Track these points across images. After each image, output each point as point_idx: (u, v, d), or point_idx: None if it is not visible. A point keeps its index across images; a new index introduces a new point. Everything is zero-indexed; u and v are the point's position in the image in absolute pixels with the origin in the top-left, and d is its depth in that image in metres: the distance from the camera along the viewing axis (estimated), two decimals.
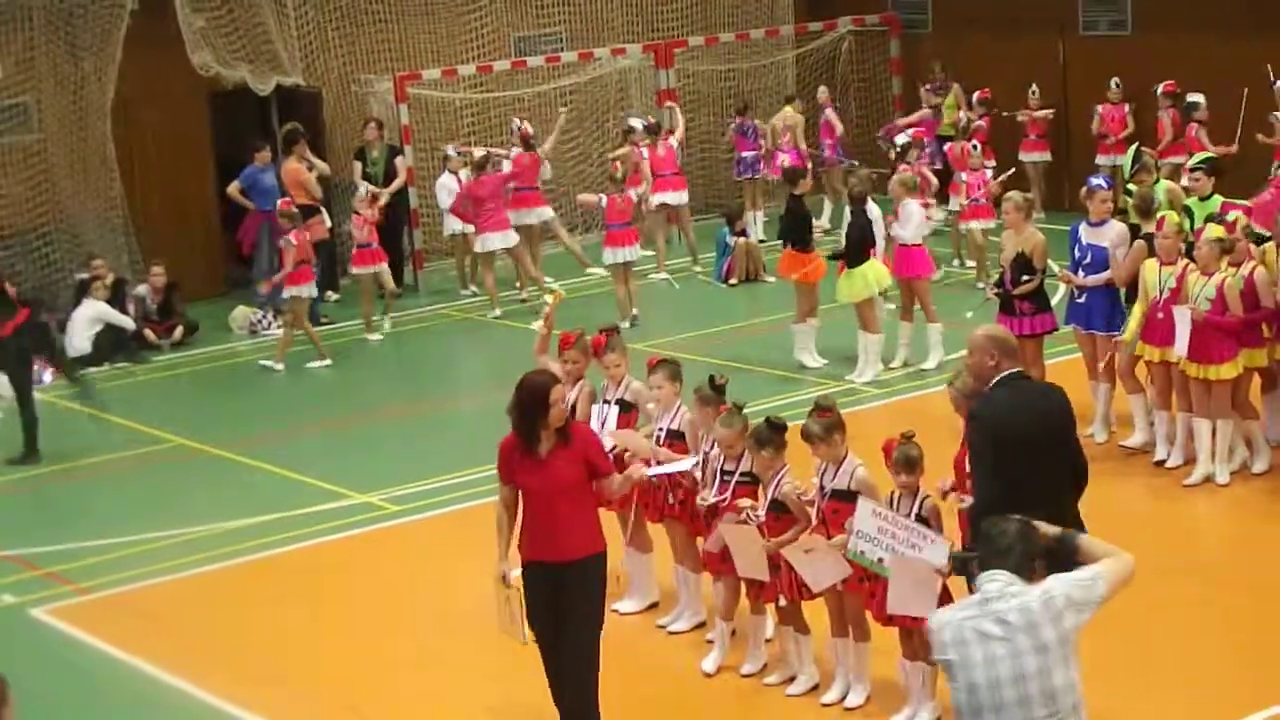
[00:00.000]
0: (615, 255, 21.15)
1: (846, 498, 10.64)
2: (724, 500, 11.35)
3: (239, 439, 18.22)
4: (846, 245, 18.47)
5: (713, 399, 11.59)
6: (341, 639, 12.96)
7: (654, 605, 12.85)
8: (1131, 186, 17.03)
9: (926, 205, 20.46)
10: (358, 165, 24.23)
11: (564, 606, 10.24)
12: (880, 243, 18.64)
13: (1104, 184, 15.94)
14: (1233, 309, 14.29)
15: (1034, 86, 25.69)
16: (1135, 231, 15.55)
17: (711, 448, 11.65)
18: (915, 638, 10.55)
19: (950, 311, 19.10)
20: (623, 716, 10.73)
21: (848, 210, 18.85)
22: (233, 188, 23.74)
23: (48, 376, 20.16)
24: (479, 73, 25.76)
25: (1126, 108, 24.89)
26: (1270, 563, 13.35)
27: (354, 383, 20.64)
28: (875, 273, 18.24)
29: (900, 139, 22.26)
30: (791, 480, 11.05)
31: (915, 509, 10.40)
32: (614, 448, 12.25)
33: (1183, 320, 14.34)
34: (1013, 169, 23.15)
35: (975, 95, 25.10)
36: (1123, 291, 15.49)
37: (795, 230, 19.04)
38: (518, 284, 23.47)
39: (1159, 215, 15.34)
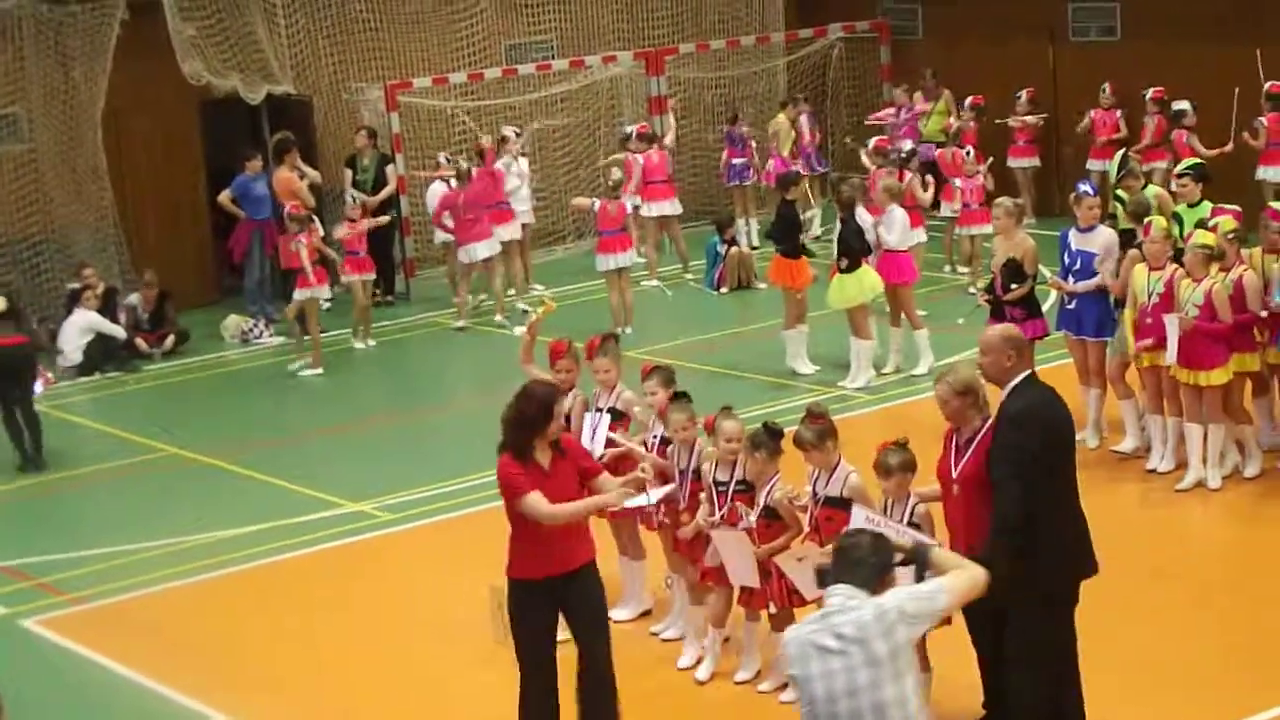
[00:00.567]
0: (607, 261, 21.15)
1: (839, 504, 10.64)
2: (723, 514, 11.35)
3: (231, 448, 18.21)
4: (838, 251, 18.48)
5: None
6: (335, 648, 12.95)
7: (647, 613, 12.86)
8: (1120, 192, 17.05)
9: (912, 210, 20.56)
10: (348, 173, 24.23)
11: (579, 615, 10.23)
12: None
13: (1091, 189, 15.95)
14: (1221, 315, 14.29)
15: (1021, 93, 25.69)
16: (1128, 237, 15.55)
17: (692, 462, 11.66)
18: None
19: (942, 316, 19.12)
20: None
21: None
22: (224, 196, 23.73)
23: (39, 386, 20.11)
24: (470, 80, 25.76)
25: (1118, 114, 24.92)
26: (1262, 567, 13.37)
27: (346, 391, 20.63)
28: (868, 279, 18.25)
29: (906, 145, 22.32)
30: (784, 486, 11.05)
31: (907, 515, 10.39)
32: (602, 456, 12.26)
33: (1172, 328, 14.35)
34: (991, 158, 23.12)
35: (968, 101, 25.11)
36: (1112, 297, 15.51)
37: (784, 234, 19.05)
38: (512, 290, 23.45)
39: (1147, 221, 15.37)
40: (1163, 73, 24.05)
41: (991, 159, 23.09)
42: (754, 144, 26.29)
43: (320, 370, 21.02)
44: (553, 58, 26.66)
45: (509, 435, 10.23)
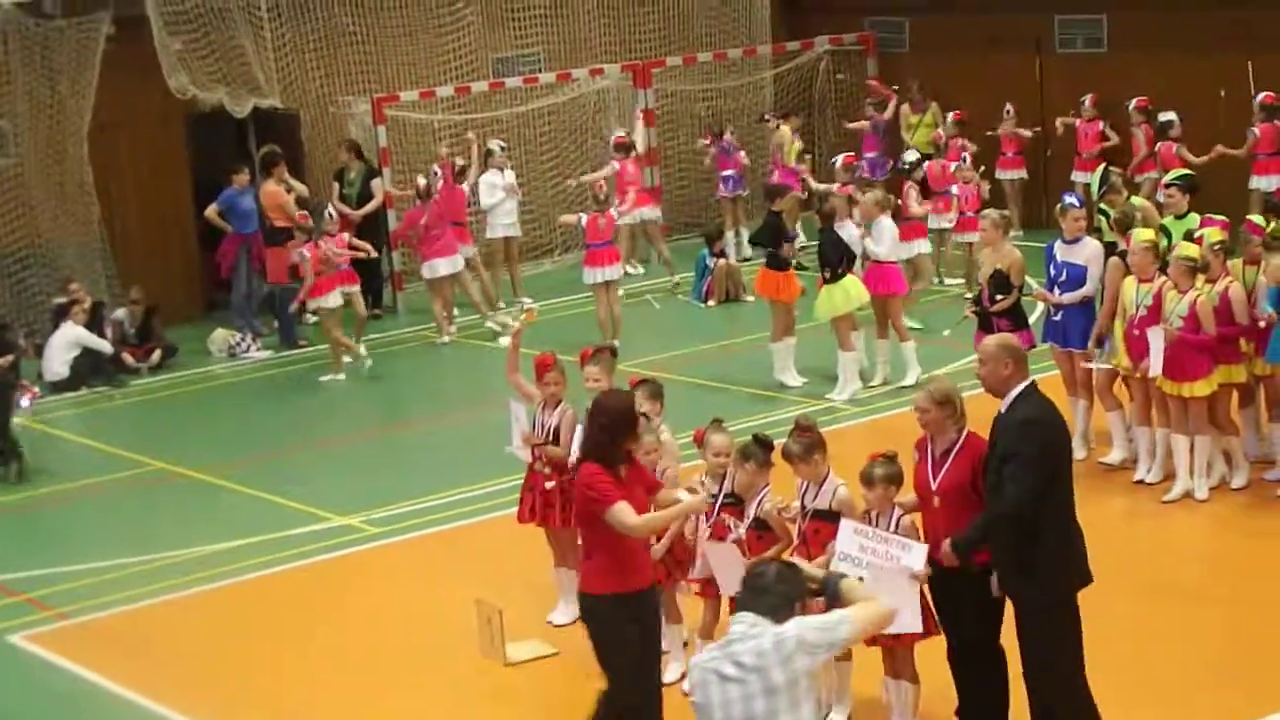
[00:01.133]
0: (595, 275, 21.14)
1: (828, 517, 10.63)
2: (711, 526, 11.35)
3: (218, 462, 18.18)
4: (821, 263, 18.50)
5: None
6: (322, 662, 12.92)
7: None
8: (1103, 206, 17.06)
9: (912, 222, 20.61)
10: (336, 187, 24.22)
11: (653, 635, 10.12)
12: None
13: (1077, 201, 15.97)
14: (1205, 326, 14.31)
15: (1008, 106, 25.71)
16: (1112, 249, 15.58)
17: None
18: (898, 656, 10.56)
19: (941, 326, 19.13)
20: None
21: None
22: (211, 210, 23.70)
23: (25, 402, 20.08)
24: (457, 94, 25.76)
25: (1101, 125, 24.97)
26: (1249, 578, 13.38)
27: (333, 404, 20.62)
28: (852, 290, 18.26)
29: (909, 155, 22.35)
30: (773, 498, 11.04)
31: (892, 527, 10.37)
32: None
33: (1155, 340, 14.37)
34: (982, 167, 23.16)
35: (950, 116, 25.12)
36: (1098, 308, 15.52)
37: (770, 241, 19.05)
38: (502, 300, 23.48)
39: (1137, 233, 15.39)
40: (1150, 84, 24.11)
41: (983, 167, 23.15)
42: (743, 155, 26.31)
43: (343, 376, 21.08)
44: (540, 71, 26.66)
45: (596, 445, 9.96)
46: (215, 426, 20.01)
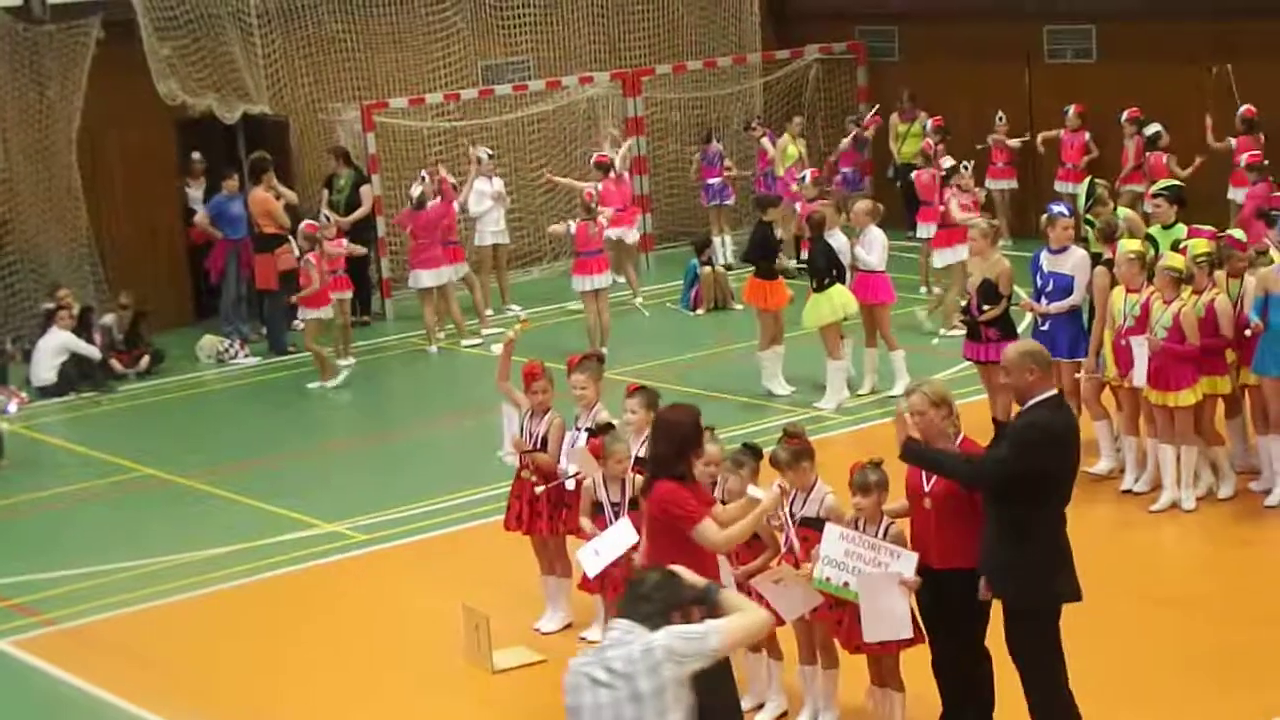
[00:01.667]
0: (584, 283, 21.14)
1: (816, 525, 10.63)
2: None
3: (205, 468, 18.16)
4: (810, 271, 18.51)
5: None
6: (309, 668, 12.92)
7: (569, 626, 12.91)
8: (1089, 218, 17.08)
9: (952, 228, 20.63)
10: (325, 194, 24.21)
11: None
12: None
13: (1065, 211, 15.99)
14: (1189, 337, 14.34)
15: (1000, 114, 25.75)
16: (1098, 260, 15.59)
17: (625, 494, 11.66)
18: (884, 664, 10.57)
19: (918, 338, 19.16)
20: None
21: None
22: (200, 216, 23.68)
23: (13, 407, 20.08)
24: (446, 101, 25.76)
25: (1086, 135, 25.00)
26: (1236, 588, 13.40)
27: (321, 411, 20.61)
28: (839, 298, 18.27)
29: (946, 162, 22.40)
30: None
31: (881, 534, 10.38)
32: (576, 473, 12.27)
33: (1140, 350, 14.40)
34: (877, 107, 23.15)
35: (930, 123, 25.11)
36: (1085, 317, 15.54)
37: (757, 252, 19.07)
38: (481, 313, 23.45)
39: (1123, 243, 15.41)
40: (1139, 94, 24.15)
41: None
42: (730, 163, 26.33)
43: (338, 380, 21.08)
44: (529, 78, 26.67)
45: (665, 462, 9.78)
46: (203, 433, 19.99)
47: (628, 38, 27.83)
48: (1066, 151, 25.14)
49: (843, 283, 18.36)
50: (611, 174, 23.88)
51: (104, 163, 23.93)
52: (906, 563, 10.06)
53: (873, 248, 18.61)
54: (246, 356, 22.95)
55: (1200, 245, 15.07)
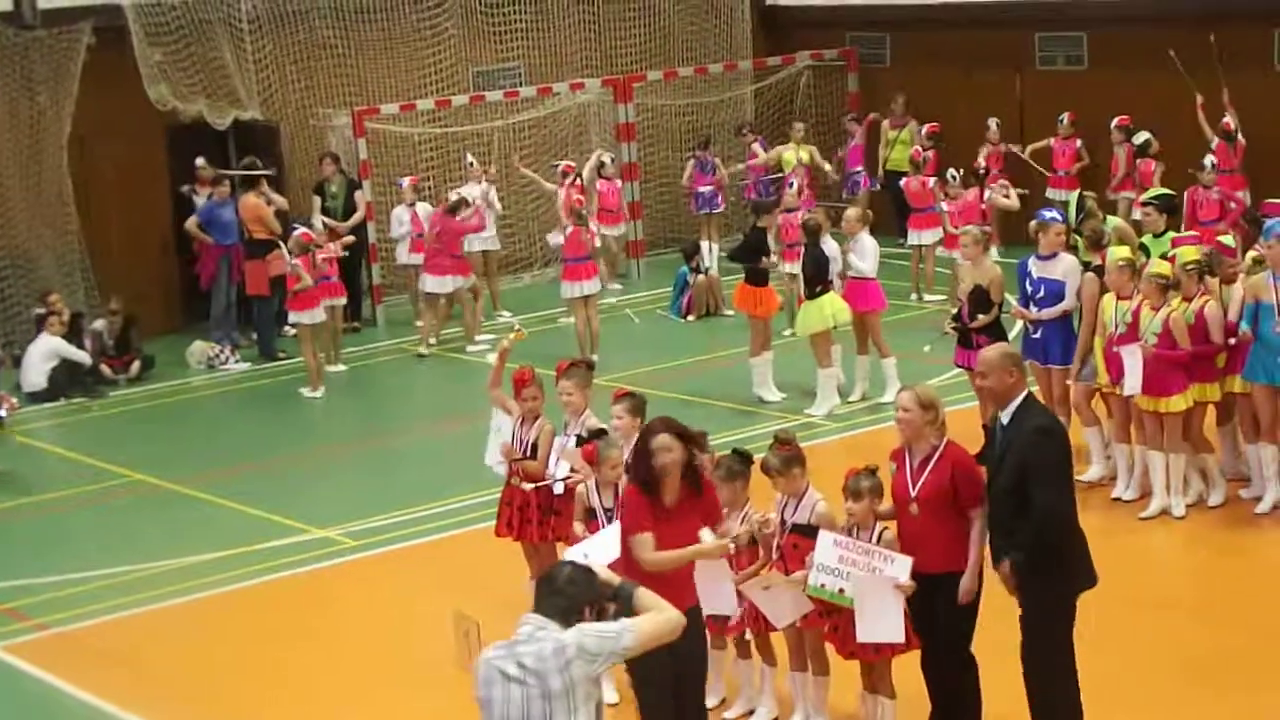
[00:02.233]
0: (573, 289, 21.15)
1: (807, 532, 10.64)
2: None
3: (196, 474, 18.15)
4: (803, 279, 18.52)
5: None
6: (300, 674, 12.91)
7: None
8: (1079, 230, 17.09)
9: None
10: (317, 200, 24.20)
11: (687, 661, 9.92)
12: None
13: (1057, 216, 16.00)
14: (1180, 343, 14.36)
15: (991, 121, 25.76)
16: (1088, 268, 15.61)
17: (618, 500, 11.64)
18: (876, 671, 10.57)
19: (909, 344, 19.15)
20: None
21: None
22: (191, 222, 23.68)
23: (3, 412, 20.04)
24: (437, 107, 25.76)
25: (1078, 143, 25.04)
26: (1225, 594, 13.43)
27: (312, 416, 20.60)
28: (833, 306, 18.28)
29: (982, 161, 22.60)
30: (758, 512, 11.05)
31: (874, 540, 10.39)
32: (565, 477, 12.27)
33: (1131, 358, 14.42)
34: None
35: (924, 129, 25.17)
36: (1075, 323, 15.56)
37: (747, 257, 19.07)
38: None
39: (1112, 250, 15.44)
40: (1130, 102, 24.19)
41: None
42: (724, 171, 26.35)
43: (322, 391, 21.06)
44: (521, 84, 26.68)
45: (635, 470, 9.88)
46: (193, 438, 19.97)
47: (619, 44, 27.85)
48: (1058, 159, 25.17)
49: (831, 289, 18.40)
50: (577, 182, 23.77)
51: (95, 168, 23.91)
52: (901, 567, 10.08)
53: (865, 254, 18.62)
54: (237, 362, 22.95)
55: (1188, 253, 15.10)
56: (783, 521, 10.82)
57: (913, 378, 17.76)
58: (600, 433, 11.83)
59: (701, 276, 23.83)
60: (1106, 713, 10.86)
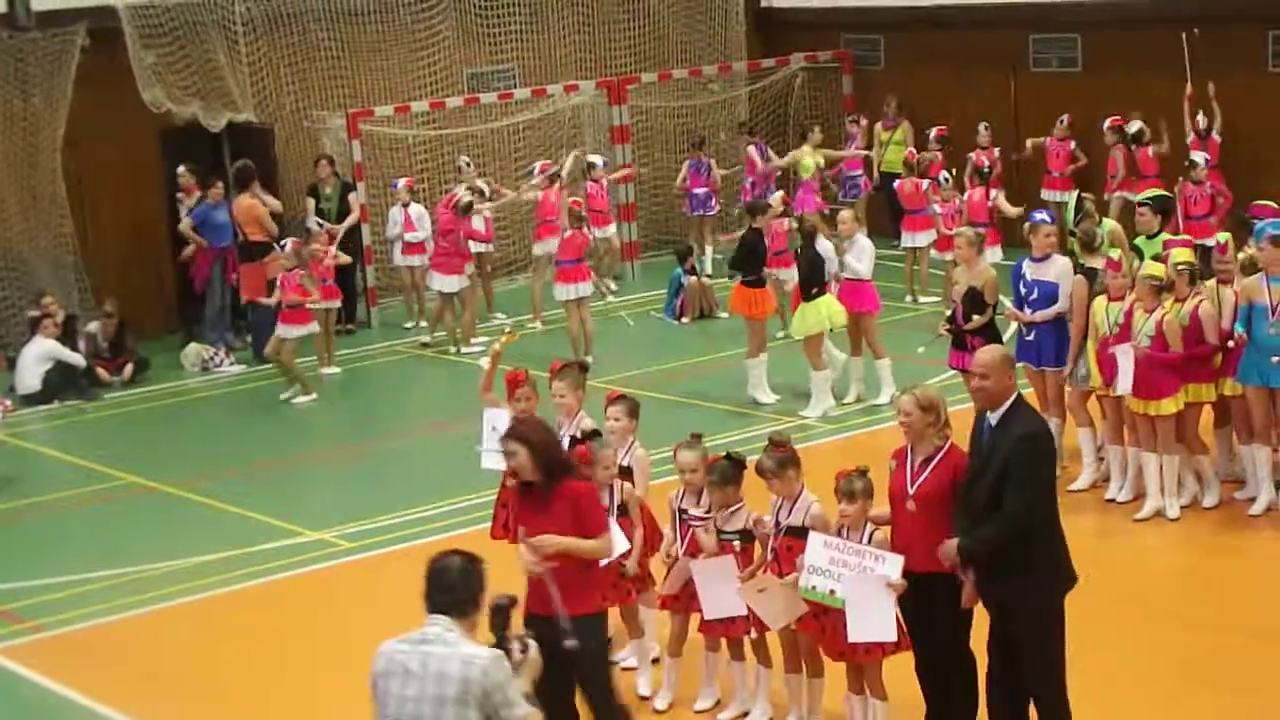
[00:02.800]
0: (567, 291, 21.16)
1: (801, 534, 10.64)
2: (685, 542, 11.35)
3: (190, 476, 18.15)
4: (799, 281, 18.53)
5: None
6: (295, 676, 12.92)
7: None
8: (1075, 231, 17.11)
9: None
10: (311, 202, 24.20)
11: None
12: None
13: (1049, 218, 16.01)
14: (1172, 345, 14.37)
15: (981, 126, 25.72)
16: (1081, 271, 15.61)
17: (615, 499, 11.64)
18: (867, 672, 10.58)
19: (904, 346, 19.18)
20: None
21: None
22: (185, 224, 23.67)
23: None
24: (432, 109, 25.76)
25: (1072, 144, 25.05)
26: (1220, 596, 13.44)
27: (307, 419, 20.59)
28: (825, 308, 18.29)
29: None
30: (754, 515, 11.05)
31: (865, 541, 10.39)
32: None
33: (1123, 359, 14.43)
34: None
35: (933, 133, 25.17)
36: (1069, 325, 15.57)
37: (745, 261, 19.07)
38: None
39: (1105, 252, 15.44)
40: (1124, 104, 24.21)
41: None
42: (718, 173, 26.35)
43: (314, 395, 21.01)
44: (515, 86, 26.68)
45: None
46: (188, 441, 19.97)
47: (613, 46, 27.84)
48: (1052, 160, 25.19)
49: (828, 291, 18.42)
50: (556, 186, 23.74)
51: (89, 170, 23.90)
52: (892, 566, 10.09)
53: (862, 256, 18.62)
54: (231, 365, 22.94)
55: (1181, 254, 15.11)
56: (777, 523, 10.84)
57: (907, 380, 17.84)
58: (594, 434, 11.83)
59: (695, 278, 23.83)
60: (1101, 713, 10.88)
